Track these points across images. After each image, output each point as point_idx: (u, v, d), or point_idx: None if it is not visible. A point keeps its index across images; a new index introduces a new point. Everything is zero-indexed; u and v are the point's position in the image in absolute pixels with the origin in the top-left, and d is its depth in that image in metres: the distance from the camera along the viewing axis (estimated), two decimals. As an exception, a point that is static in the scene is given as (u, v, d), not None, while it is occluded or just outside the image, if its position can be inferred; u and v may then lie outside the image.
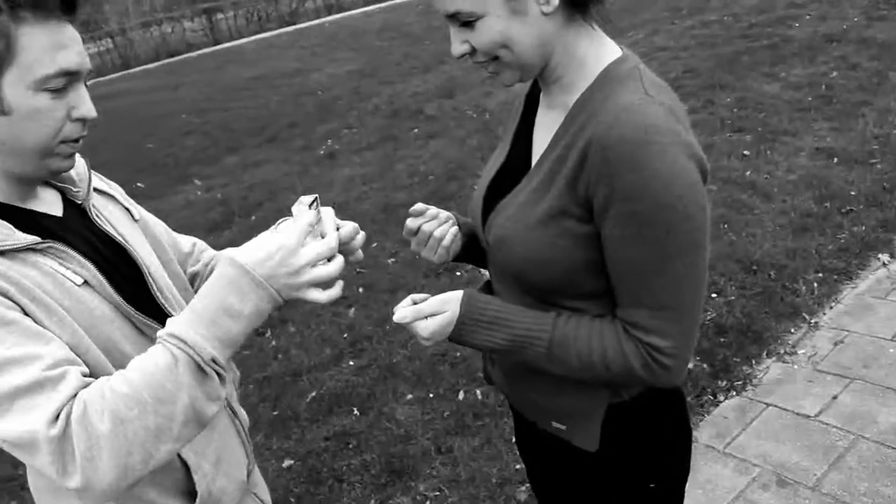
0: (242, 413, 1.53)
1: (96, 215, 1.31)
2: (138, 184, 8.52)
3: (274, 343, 4.28)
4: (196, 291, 1.59)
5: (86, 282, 1.18)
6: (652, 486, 1.37)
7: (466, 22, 1.16)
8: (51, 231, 1.19)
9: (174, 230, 1.75)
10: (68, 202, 1.30)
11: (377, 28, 18.35)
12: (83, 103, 1.16)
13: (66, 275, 1.16)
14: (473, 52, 1.20)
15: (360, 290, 4.65)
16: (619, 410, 1.32)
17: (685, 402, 1.44)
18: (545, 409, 1.39)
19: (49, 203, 1.26)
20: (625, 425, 1.33)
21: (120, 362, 1.15)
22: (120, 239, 1.31)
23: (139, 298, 1.28)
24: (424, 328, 1.27)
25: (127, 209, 1.44)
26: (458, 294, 1.29)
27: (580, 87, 1.22)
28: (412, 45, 14.25)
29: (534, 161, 1.29)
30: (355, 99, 10.51)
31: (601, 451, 1.34)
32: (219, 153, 9.22)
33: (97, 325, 1.17)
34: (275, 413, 3.63)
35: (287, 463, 3.26)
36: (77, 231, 1.25)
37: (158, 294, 1.32)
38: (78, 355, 1.11)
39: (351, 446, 3.29)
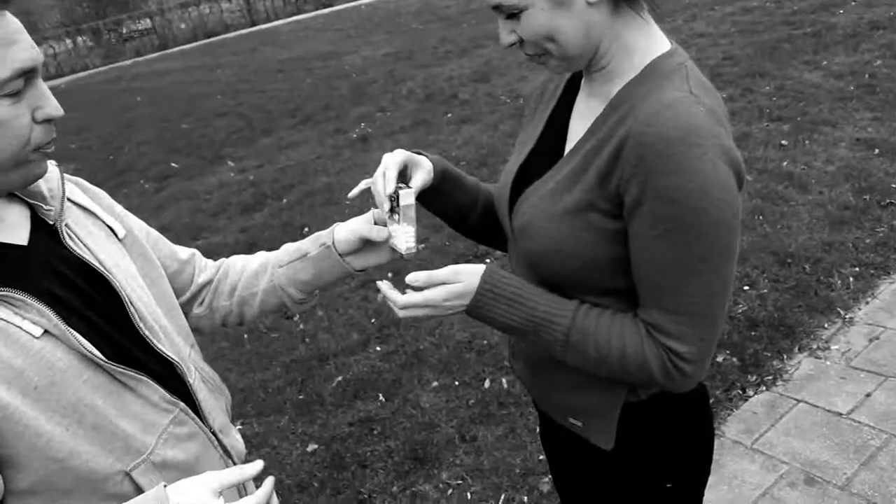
0: (237, 444, 1.40)
1: (69, 236, 1.16)
2: (173, 164, 8.60)
3: (302, 327, 4.29)
4: (202, 302, 1.50)
5: (46, 331, 1.05)
6: (668, 486, 1.34)
7: (511, 14, 1.14)
8: (8, 270, 1.06)
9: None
10: (38, 222, 1.14)
11: (414, 11, 18.28)
12: (46, 101, 1.03)
13: (22, 327, 1.02)
14: (522, 42, 1.18)
15: (389, 275, 4.63)
16: (635, 409, 1.29)
17: (708, 402, 1.41)
18: (563, 405, 1.38)
19: (13, 226, 1.11)
20: (641, 425, 1.31)
21: (93, 420, 1.07)
22: (97, 265, 1.16)
23: (121, 330, 1.17)
24: (437, 293, 1.21)
25: (109, 227, 1.28)
26: (477, 266, 1.24)
27: (624, 77, 1.19)
28: (449, 28, 14.17)
29: (567, 149, 1.27)
30: (390, 82, 10.48)
31: (617, 450, 1.32)
32: (252, 135, 9.25)
33: (59, 381, 1.05)
34: (300, 397, 3.64)
35: (311, 447, 3.27)
36: (44, 261, 1.11)
37: (141, 325, 1.19)
38: (25, 426, 1.01)
39: (375, 432, 3.29)
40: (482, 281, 1.22)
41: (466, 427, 3.20)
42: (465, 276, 1.22)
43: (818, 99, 6.04)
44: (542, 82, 1.46)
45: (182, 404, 1.22)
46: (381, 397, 3.51)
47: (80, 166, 9.43)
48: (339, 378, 3.72)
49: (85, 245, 1.19)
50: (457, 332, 3.86)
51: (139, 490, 1.11)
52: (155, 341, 1.21)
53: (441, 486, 2.93)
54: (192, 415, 1.25)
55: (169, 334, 1.27)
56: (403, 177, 1.37)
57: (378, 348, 3.92)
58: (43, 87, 1.04)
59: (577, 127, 1.27)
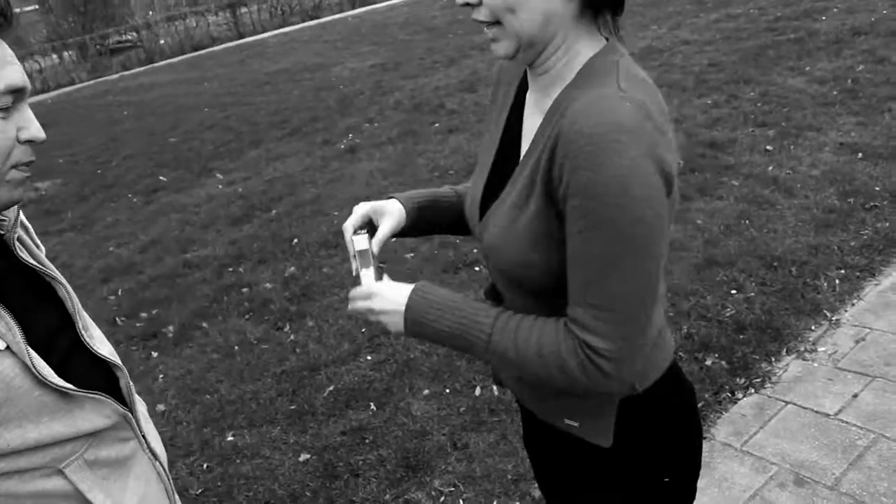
0: (161, 451, 1.45)
1: (20, 248, 1.21)
2: (161, 177, 8.58)
3: (293, 337, 4.29)
4: None
5: (8, 347, 1.09)
6: (666, 480, 1.35)
7: None
8: None
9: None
10: None
11: (401, 22, 18.34)
12: (31, 124, 1.11)
13: None
14: (479, 4, 1.15)
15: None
16: (631, 404, 1.29)
17: (695, 396, 1.43)
18: (556, 407, 1.37)
19: None
20: (638, 419, 1.31)
21: (36, 436, 1.11)
22: (52, 273, 1.24)
23: (69, 338, 1.24)
24: (378, 290, 1.30)
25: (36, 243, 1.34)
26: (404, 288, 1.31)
27: (564, 83, 1.19)
28: (435, 39, 14.22)
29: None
30: (377, 93, 10.51)
31: (615, 447, 1.31)
32: (240, 147, 9.25)
33: (13, 398, 1.09)
34: (292, 407, 3.64)
35: (303, 457, 3.27)
36: (2, 274, 1.17)
37: (84, 333, 1.27)
38: None
39: (367, 441, 3.30)
40: (414, 288, 1.29)
41: (458, 434, 3.21)
42: (401, 289, 1.31)
43: (802, 104, 6.10)
44: (492, 91, 1.46)
45: (128, 414, 1.28)
46: (372, 406, 3.52)
47: (68, 181, 9.42)
48: (331, 388, 3.72)
49: (33, 256, 1.24)
50: (447, 341, 3.87)
51: (70, 484, 1.17)
52: (97, 348, 1.27)
53: (433, 493, 2.94)
54: (133, 421, 1.31)
55: (105, 342, 1.34)
56: (373, 226, 1.43)
57: (369, 357, 3.93)
58: (30, 112, 1.13)
59: (527, 138, 1.27)
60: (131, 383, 1.36)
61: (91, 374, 1.24)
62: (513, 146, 1.32)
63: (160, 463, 1.40)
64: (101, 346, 1.31)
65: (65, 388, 1.14)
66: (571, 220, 1.10)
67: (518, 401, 1.57)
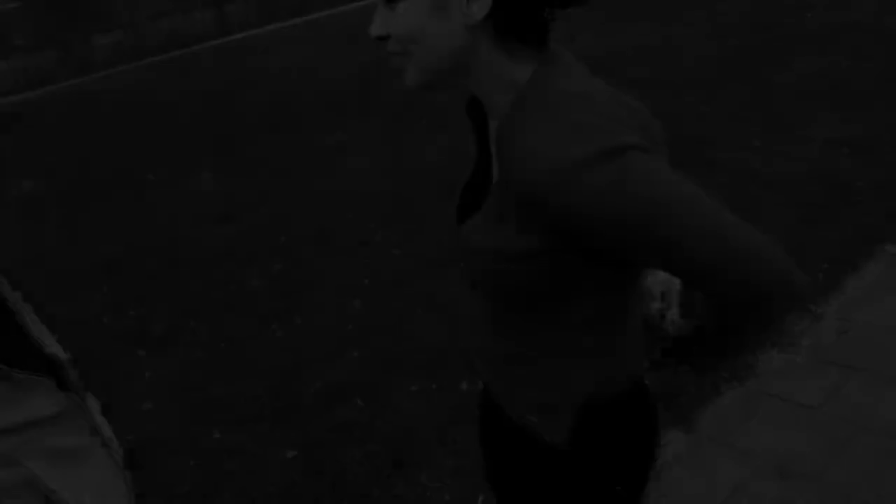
0: (116, 445, 1.49)
1: None
2: (148, 175, 8.55)
3: (280, 334, 4.30)
4: None
5: None
6: (618, 488, 1.34)
7: (390, 0, 1.11)
8: None
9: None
10: None
11: (388, 19, 18.31)
12: None
13: None
14: (388, 37, 1.14)
15: (366, 281, 4.66)
16: (594, 409, 1.28)
17: (658, 418, 1.41)
18: (520, 399, 1.35)
19: None
20: (598, 425, 1.30)
21: None
22: None
23: (11, 330, 1.27)
24: None
25: None
26: None
27: (502, 114, 1.14)
28: (422, 36, 14.20)
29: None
30: (366, 90, 10.50)
31: (570, 449, 1.29)
32: (228, 145, 9.22)
33: None
34: (279, 404, 3.64)
35: (291, 454, 3.28)
36: None
37: (30, 328, 1.32)
38: None
39: (354, 437, 3.30)
40: None
41: (445, 429, 3.22)
42: None
43: (788, 100, 6.14)
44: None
45: (77, 398, 1.34)
46: (359, 402, 3.53)
47: (54, 180, 9.37)
48: (318, 384, 3.72)
49: None
50: (435, 336, 3.89)
51: (27, 471, 1.21)
52: (47, 345, 1.32)
53: (420, 488, 2.95)
54: (84, 410, 1.36)
55: (52, 340, 1.38)
56: None
57: (356, 354, 3.93)
58: None
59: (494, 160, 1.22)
60: (78, 378, 1.40)
61: (39, 369, 1.27)
62: (485, 162, 1.28)
63: (114, 452, 1.44)
64: (50, 343, 1.35)
65: (15, 373, 1.17)
66: (609, 242, 1.04)
67: (483, 391, 1.54)
